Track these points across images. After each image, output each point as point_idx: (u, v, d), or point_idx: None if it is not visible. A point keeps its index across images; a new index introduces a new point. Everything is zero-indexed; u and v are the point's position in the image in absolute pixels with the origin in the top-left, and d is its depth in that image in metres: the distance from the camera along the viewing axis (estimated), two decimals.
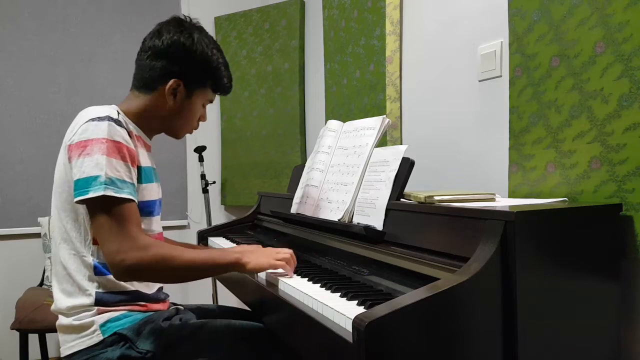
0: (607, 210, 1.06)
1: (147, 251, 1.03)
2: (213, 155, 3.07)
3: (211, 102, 1.32)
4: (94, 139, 1.06)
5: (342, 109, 2.31)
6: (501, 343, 0.85)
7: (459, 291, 0.79)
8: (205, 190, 2.79)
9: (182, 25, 1.22)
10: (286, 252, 1.21)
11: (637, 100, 1.06)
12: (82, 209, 1.10)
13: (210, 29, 3.13)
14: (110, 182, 1.04)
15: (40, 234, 2.54)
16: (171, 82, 1.19)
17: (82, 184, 1.04)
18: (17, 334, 2.10)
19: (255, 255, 1.17)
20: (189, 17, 1.27)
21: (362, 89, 2.13)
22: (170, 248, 1.09)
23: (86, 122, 1.09)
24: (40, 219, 2.55)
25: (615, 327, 1.05)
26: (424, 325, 0.77)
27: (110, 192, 1.03)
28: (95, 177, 1.03)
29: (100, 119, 1.09)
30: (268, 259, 1.17)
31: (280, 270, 1.21)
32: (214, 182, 2.92)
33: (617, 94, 1.10)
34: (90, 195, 1.03)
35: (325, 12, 2.46)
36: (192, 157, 3.00)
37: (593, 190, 1.16)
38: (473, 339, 0.83)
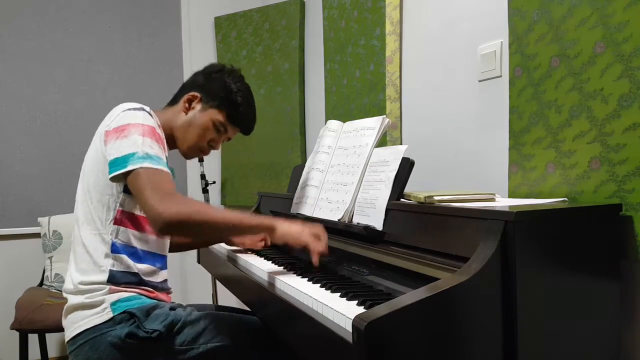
0: (607, 210, 1.06)
1: (186, 205, 1.09)
2: (213, 155, 3.06)
3: (226, 131, 1.40)
4: (130, 123, 1.17)
5: (342, 109, 2.31)
6: (501, 343, 0.85)
7: (459, 291, 0.79)
8: (205, 190, 2.79)
9: (222, 65, 1.42)
10: (317, 228, 1.24)
11: (636, 101, 1.06)
12: (110, 190, 1.19)
13: (210, 29, 3.13)
14: (147, 156, 1.13)
15: (40, 234, 2.54)
16: (191, 93, 1.36)
17: (120, 161, 1.13)
18: (16, 334, 2.10)
19: (287, 223, 1.22)
20: (235, 67, 1.43)
21: (362, 89, 2.13)
22: (207, 205, 1.19)
23: (123, 111, 1.20)
24: (40, 219, 2.55)
25: (615, 327, 1.05)
26: (424, 326, 0.77)
27: (148, 164, 1.12)
28: (133, 154, 1.12)
29: (135, 109, 1.21)
30: (299, 230, 1.21)
31: (281, 269, 1.22)
32: (214, 182, 2.92)
33: (617, 94, 1.10)
34: (130, 167, 1.11)
35: (325, 12, 2.46)
36: None
37: (593, 191, 1.16)
38: (473, 339, 0.83)
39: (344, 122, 1.56)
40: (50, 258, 2.47)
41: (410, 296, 0.78)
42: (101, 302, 1.15)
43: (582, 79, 1.18)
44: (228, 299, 2.45)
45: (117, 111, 1.22)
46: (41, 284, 2.51)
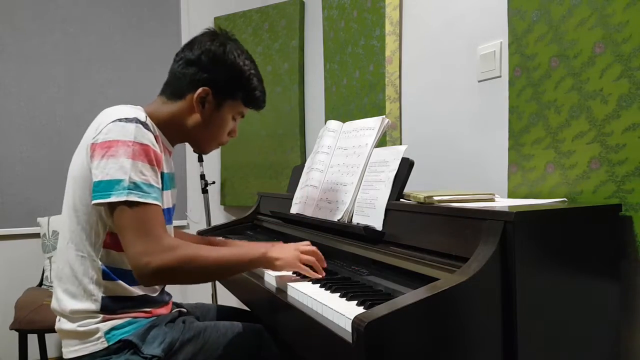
0: (607, 210, 1.06)
1: (174, 252, 1.00)
2: (213, 155, 3.07)
3: (242, 116, 1.28)
4: (120, 140, 1.02)
5: (341, 109, 2.31)
6: (501, 343, 0.85)
7: (458, 291, 0.79)
8: (204, 191, 2.79)
9: (215, 36, 1.21)
10: (311, 251, 1.20)
11: (636, 101, 1.06)
12: (97, 210, 1.07)
13: None
14: (135, 186, 1.00)
15: (39, 234, 2.54)
16: (200, 90, 1.16)
17: (104, 187, 1.00)
18: (16, 334, 2.10)
19: (283, 251, 1.16)
20: (225, 30, 1.25)
21: (362, 89, 2.13)
22: (197, 248, 1.06)
23: (112, 121, 1.05)
24: (39, 219, 2.55)
25: (615, 327, 1.05)
26: (424, 326, 0.77)
27: (133, 197, 1.00)
28: (119, 181, 1.00)
29: (127, 120, 1.05)
30: (295, 260, 1.16)
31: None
32: (214, 182, 2.92)
33: (616, 94, 1.10)
34: (113, 199, 0.99)
35: (325, 12, 2.46)
36: (192, 157, 3.00)
37: (592, 191, 1.16)
38: (473, 339, 0.83)
39: (343, 122, 1.56)
40: (49, 258, 2.47)
41: (410, 296, 0.78)
42: (95, 332, 1.08)
43: (582, 79, 1.18)
44: (228, 299, 2.45)
45: (105, 120, 1.07)
46: (40, 284, 2.50)
